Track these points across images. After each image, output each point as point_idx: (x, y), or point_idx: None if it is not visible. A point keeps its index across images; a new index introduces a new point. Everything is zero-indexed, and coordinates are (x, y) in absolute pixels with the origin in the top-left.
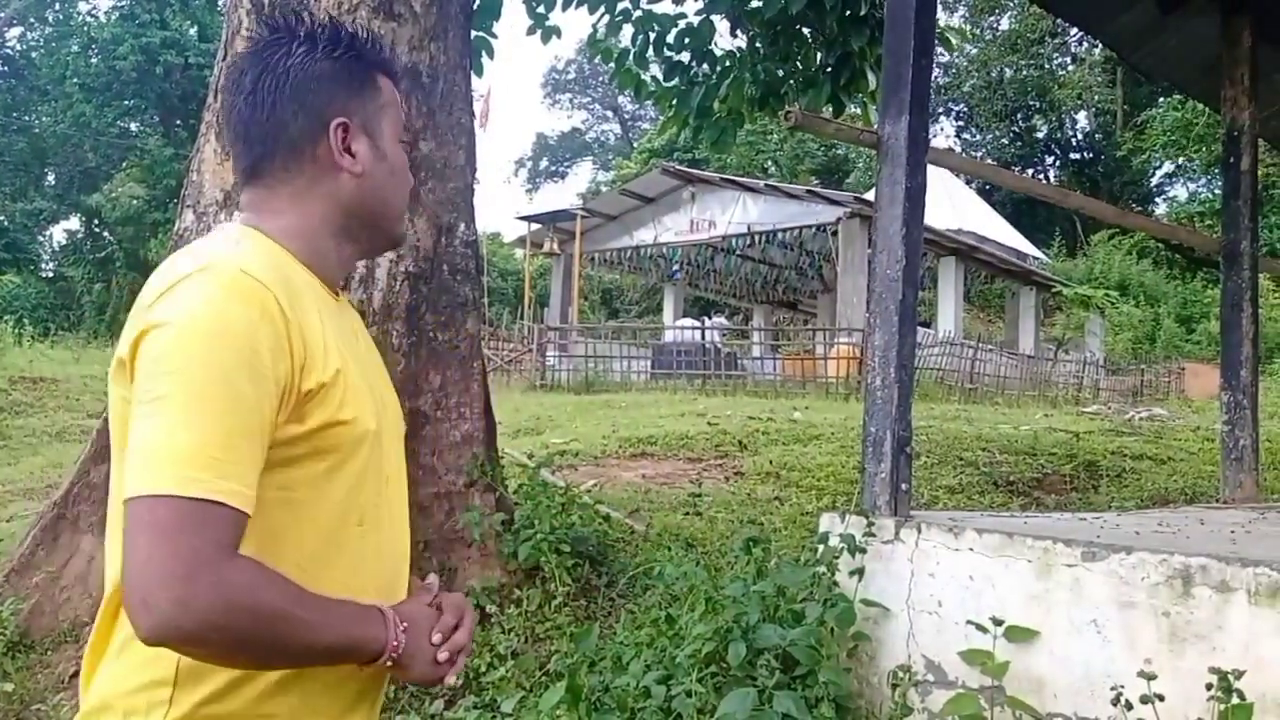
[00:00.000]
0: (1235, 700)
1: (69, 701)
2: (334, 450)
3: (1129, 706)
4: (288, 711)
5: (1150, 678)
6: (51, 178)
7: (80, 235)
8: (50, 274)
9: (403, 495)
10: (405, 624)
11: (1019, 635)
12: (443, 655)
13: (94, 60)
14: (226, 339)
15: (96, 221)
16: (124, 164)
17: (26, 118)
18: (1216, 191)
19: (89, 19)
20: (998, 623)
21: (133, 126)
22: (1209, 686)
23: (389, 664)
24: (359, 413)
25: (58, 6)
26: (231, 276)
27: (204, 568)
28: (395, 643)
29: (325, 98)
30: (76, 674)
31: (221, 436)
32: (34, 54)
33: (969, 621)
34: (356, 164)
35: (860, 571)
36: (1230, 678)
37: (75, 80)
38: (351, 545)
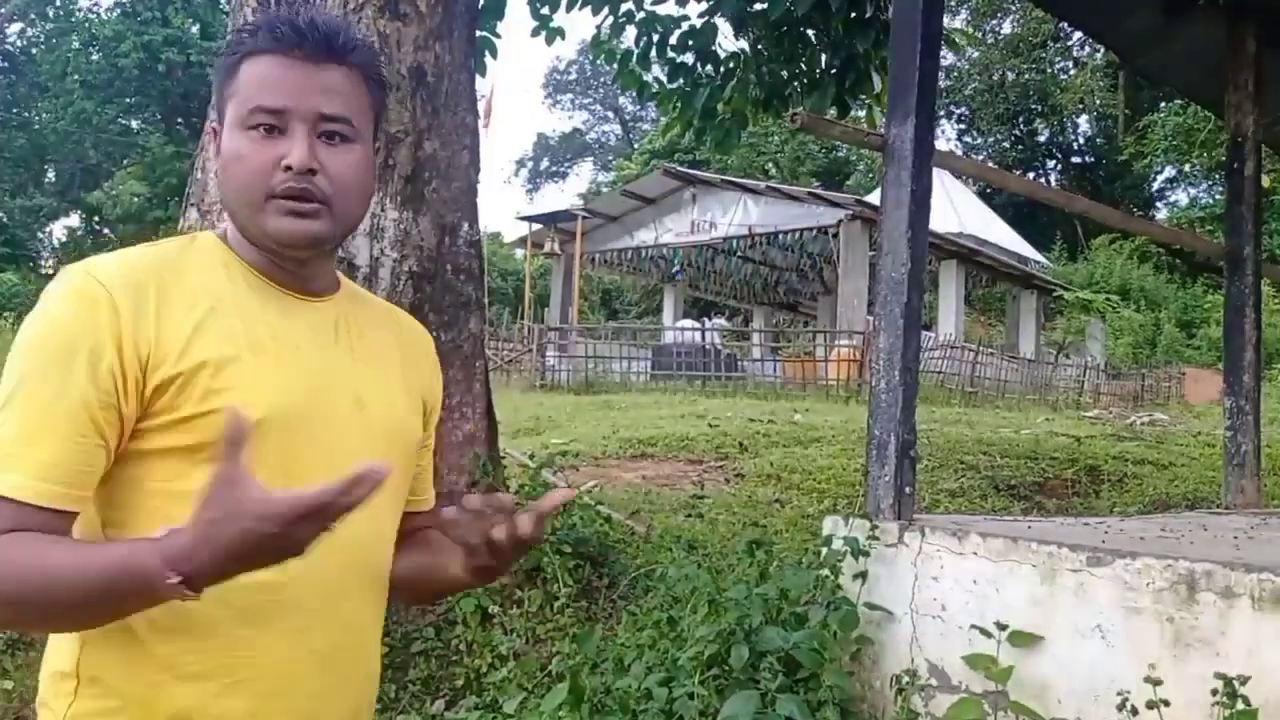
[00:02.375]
0: (1240, 706)
1: None
2: (207, 443)
3: (1134, 712)
4: (203, 702)
5: (1156, 683)
6: (52, 174)
7: (81, 232)
8: (50, 271)
9: (382, 494)
10: (201, 523)
11: (1023, 640)
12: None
13: (95, 57)
14: (36, 339)
15: (97, 219)
16: (125, 161)
17: (27, 114)
18: (1217, 196)
19: (90, 15)
20: (1002, 627)
21: (134, 124)
22: (1214, 692)
23: (177, 582)
24: (238, 402)
25: (59, 3)
26: (67, 279)
27: None
28: (158, 562)
29: (214, 107)
30: None
31: (16, 432)
32: (34, 50)
33: (973, 626)
34: (215, 163)
35: (863, 575)
36: (1235, 684)
37: (76, 77)
38: None
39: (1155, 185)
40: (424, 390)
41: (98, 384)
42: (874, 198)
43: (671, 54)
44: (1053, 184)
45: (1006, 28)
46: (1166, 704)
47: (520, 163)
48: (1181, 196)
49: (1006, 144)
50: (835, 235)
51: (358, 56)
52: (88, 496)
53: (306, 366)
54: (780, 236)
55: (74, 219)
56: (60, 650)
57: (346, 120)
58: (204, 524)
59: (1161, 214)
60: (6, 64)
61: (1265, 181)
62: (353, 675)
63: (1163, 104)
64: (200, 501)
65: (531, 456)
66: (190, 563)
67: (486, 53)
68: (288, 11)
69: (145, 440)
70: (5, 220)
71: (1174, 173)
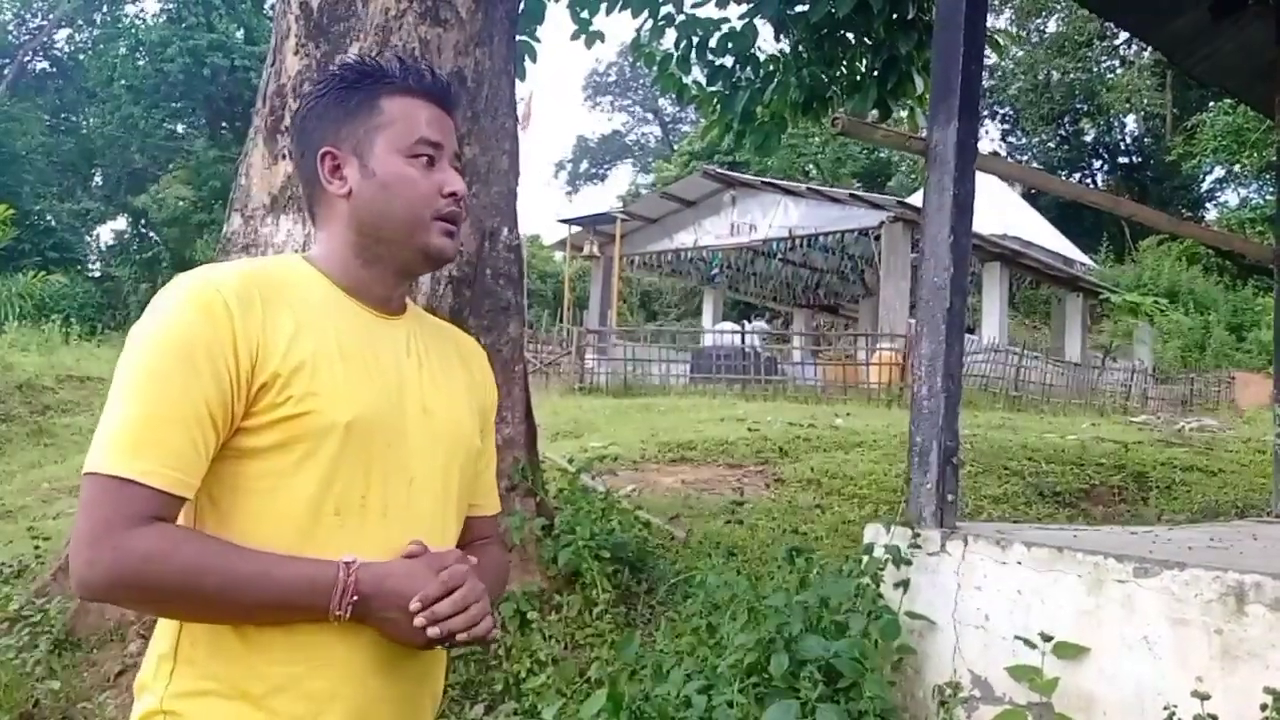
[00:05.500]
0: None
1: (114, 700)
2: (299, 442)
3: None
4: (288, 683)
5: (1204, 697)
6: (99, 178)
7: (127, 235)
8: (97, 274)
9: (443, 501)
10: (376, 581)
11: (1068, 652)
12: (419, 621)
13: (141, 62)
14: (160, 338)
15: (143, 222)
16: (170, 165)
17: (75, 119)
18: (1268, 197)
19: (136, 21)
20: (1046, 638)
21: (179, 128)
22: (1263, 707)
23: (344, 617)
24: (325, 406)
25: (105, 9)
26: (184, 284)
27: (107, 535)
28: (337, 599)
29: (316, 134)
30: (122, 672)
31: (143, 423)
32: (82, 56)
33: (1017, 637)
34: (344, 185)
35: (905, 583)
36: None
37: (123, 82)
38: (326, 534)
39: (1204, 185)
40: (482, 402)
41: (216, 381)
42: (916, 199)
43: (711, 56)
44: (1099, 184)
45: (1052, 26)
46: (1214, 718)
47: (560, 165)
48: (1231, 197)
49: (1052, 144)
50: (877, 237)
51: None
52: (197, 485)
53: (385, 376)
54: (821, 238)
55: (121, 222)
56: (161, 636)
57: (460, 158)
58: (387, 592)
59: (1211, 214)
60: (55, 69)
61: None
62: (421, 666)
63: (1211, 103)
64: (392, 575)
65: (571, 460)
66: (357, 607)
67: (526, 57)
68: (331, 21)
69: (245, 438)
70: (54, 224)
71: (1223, 173)
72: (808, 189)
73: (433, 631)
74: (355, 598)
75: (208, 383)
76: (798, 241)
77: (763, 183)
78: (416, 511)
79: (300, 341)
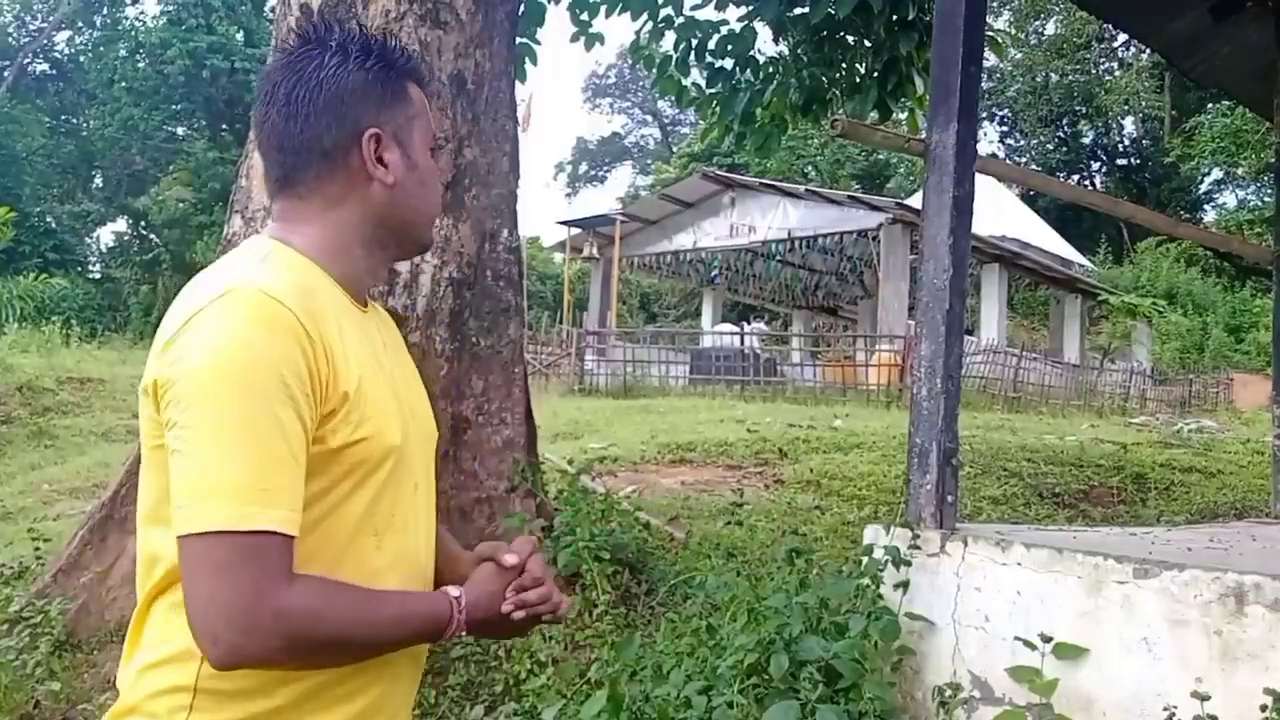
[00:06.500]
0: None
1: (114, 702)
2: (358, 468)
3: None
4: (328, 706)
5: (1204, 698)
6: (99, 180)
7: (127, 237)
8: (98, 275)
9: (430, 501)
10: (478, 612)
11: (1068, 652)
12: (516, 614)
13: (141, 64)
14: (256, 368)
15: (143, 224)
16: (171, 167)
17: (75, 121)
18: (1266, 199)
19: (137, 23)
20: (1046, 639)
21: (179, 130)
22: (1263, 708)
23: (459, 637)
24: (380, 428)
25: (105, 11)
26: (253, 301)
27: (264, 599)
28: (450, 632)
29: (359, 109)
30: None
31: (265, 466)
32: (82, 58)
33: (1016, 638)
34: (389, 174)
35: (905, 584)
36: None
37: (123, 84)
38: (365, 557)
39: (1203, 187)
40: None
41: (307, 409)
42: (915, 201)
43: (710, 59)
44: (1098, 186)
45: (1050, 28)
46: (1214, 719)
47: (559, 166)
48: (1229, 198)
49: (1050, 146)
50: (875, 239)
51: None
52: None
53: (389, 382)
54: (820, 240)
55: (121, 224)
56: (175, 662)
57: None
58: (479, 621)
59: (1209, 216)
60: (55, 71)
61: None
62: (422, 667)
63: (1210, 105)
64: (482, 602)
65: (570, 461)
66: (468, 628)
67: (526, 59)
68: (330, 20)
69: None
70: (54, 226)
71: (1222, 175)
72: (806, 191)
73: (518, 615)
74: (464, 632)
75: (304, 411)
76: (797, 243)
77: (762, 184)
78: (421, 517)
79: (348, 360)
